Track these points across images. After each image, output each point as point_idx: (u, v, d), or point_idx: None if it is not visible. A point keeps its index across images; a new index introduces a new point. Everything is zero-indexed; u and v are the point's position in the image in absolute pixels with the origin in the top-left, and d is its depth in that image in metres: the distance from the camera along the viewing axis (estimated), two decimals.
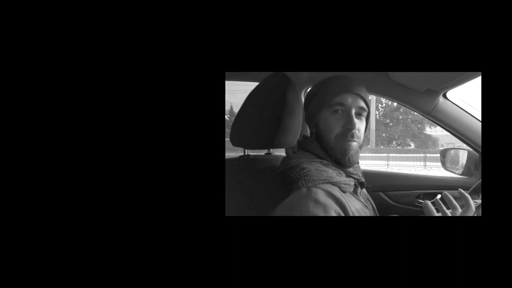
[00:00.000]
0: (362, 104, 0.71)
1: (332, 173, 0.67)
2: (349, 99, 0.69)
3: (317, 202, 0.60)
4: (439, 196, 1.30)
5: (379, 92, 1.17)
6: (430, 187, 1.32)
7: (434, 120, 1.16)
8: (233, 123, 0.88)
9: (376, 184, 1.25)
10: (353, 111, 0.70)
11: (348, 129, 0.68)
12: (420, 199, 1.33)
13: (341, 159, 0.69)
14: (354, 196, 0.72)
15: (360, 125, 0.71)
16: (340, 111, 0.69)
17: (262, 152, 0.95)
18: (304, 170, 0.64)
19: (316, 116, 0.72)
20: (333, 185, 0.65)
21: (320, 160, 0.69)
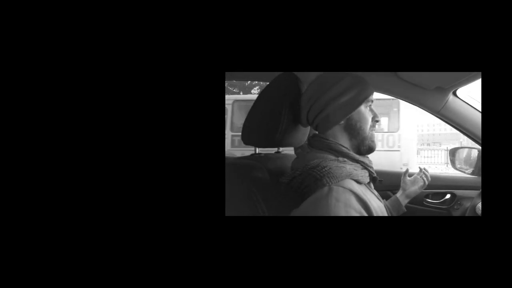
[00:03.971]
0: None
1: (350, 168, 0.70)
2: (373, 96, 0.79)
3: (338, 200, 0.61)
4: (448, 196, 1.29)
5: (387, 91, 1.15)
6: (439, 187, 1.30)
7: (444, 119, 1.14)
8: (245, 122, 0.89)
9: (385, 183, 1.24)
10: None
11: (377, 121, 0.78)
12: (429, 199, 1.31)
13: (372, 146, 0.77)
14: (370, 190, 0.76)
15: None
16: (369, 106, 0.78)
17: (272, 150, 0.96)
18: (326, 168, 0.66)
19: (353, 110, 0.75)
20: (352, 179, 0.68)
21: (336, 158, 0.71)
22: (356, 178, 0.69)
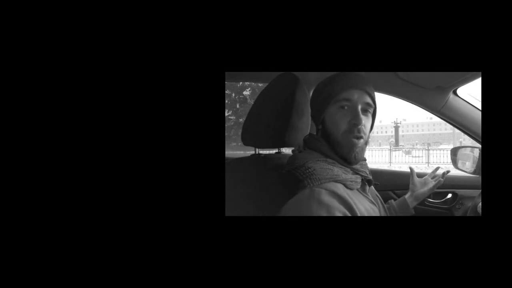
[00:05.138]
0: (369, 100, 0.71)
1: (338, 171, 0.67)
2: (356, 95, 0.69)
3: (320, 202, 0.59)
4: (449, 195, 1.28)
5: (387, 91, 1.15)
6: (440, 186, 1.30)
7: (444, 118, 1.14)
8: (244, 123, 0.89)
9: (385, 183, 1.24)
10: (360, 107, 0.69)
11: (354, 125, 0.67)
12: (430, 198, 1.31)
13: (347, 156, 0.69)
14: (362, 194, 0.72)
15: (366, 121, 0.70)
16: (346, 107, 0.69)
17: (273, 151, 0.96)
18: (309, 169, 0.64)
19: (323, 113, 0.71)
20: (338, 182, 0.64)
21: (325, 159, 0.69)
22: (344, 183, 0.65)
